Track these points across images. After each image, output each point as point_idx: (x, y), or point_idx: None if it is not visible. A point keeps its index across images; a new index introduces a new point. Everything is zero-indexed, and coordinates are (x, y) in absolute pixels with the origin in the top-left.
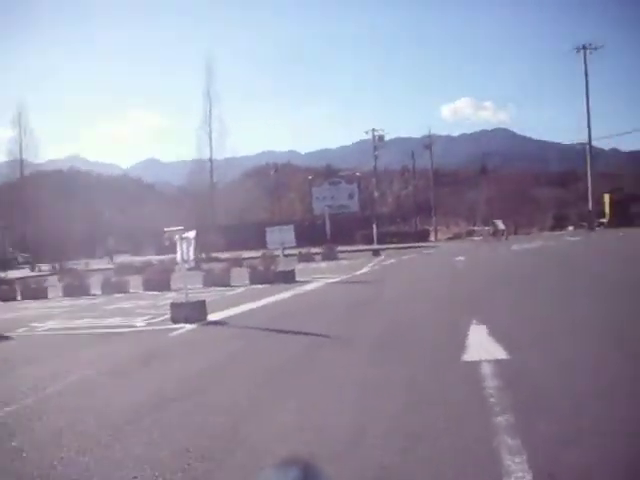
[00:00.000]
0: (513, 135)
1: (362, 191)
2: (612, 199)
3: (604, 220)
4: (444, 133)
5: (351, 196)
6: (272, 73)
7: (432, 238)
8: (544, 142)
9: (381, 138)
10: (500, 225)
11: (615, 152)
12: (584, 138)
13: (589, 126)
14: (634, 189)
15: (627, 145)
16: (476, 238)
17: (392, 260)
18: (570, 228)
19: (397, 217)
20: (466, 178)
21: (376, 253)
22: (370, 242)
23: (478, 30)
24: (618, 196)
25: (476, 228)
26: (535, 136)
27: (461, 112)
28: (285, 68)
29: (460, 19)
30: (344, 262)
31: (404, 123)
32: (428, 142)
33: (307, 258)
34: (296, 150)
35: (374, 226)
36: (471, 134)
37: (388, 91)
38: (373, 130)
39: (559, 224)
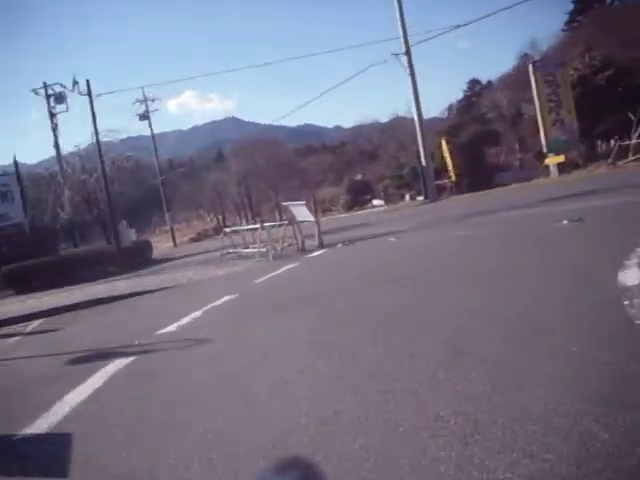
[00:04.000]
0: (242, 122)
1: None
2: (451, 149)
3: (450, 181)
4: (174, 128)
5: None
6: None
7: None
8: (270, 125)
9: None
10: (303, 211)
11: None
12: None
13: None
14: None
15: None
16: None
17: None
18: (405, 200)
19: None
20: (203, 167)
21: None
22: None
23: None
24: (460, 142)
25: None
26: (262, 121)
27: (187, 105)
28: None
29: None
30: None
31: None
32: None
33: None
34: None
35: None
36: (202, 126)
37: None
38: None
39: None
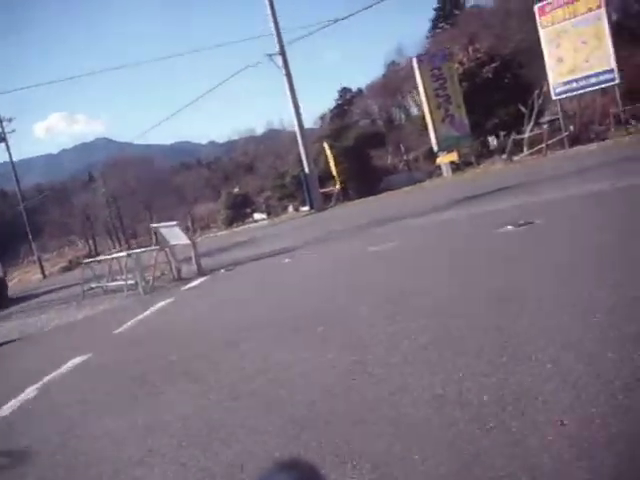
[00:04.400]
0: (114, 142)
1: None
2: (334, 154)
3: (337, 188)
4: (42, 152)
5: None
6: None
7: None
8: (145, 145)
9: None
10: (175, 232)
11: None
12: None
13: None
14: None
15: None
16: None
17: None
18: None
19: None
20: (73, 191)
21: None
22: None
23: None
24: (344, 146)
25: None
26: (136, 141)
27: (55, 128)
28: None
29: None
30: None
31: None
32: None
33: None
34: None
35: None
36: (72, 148)
37: None
38: None
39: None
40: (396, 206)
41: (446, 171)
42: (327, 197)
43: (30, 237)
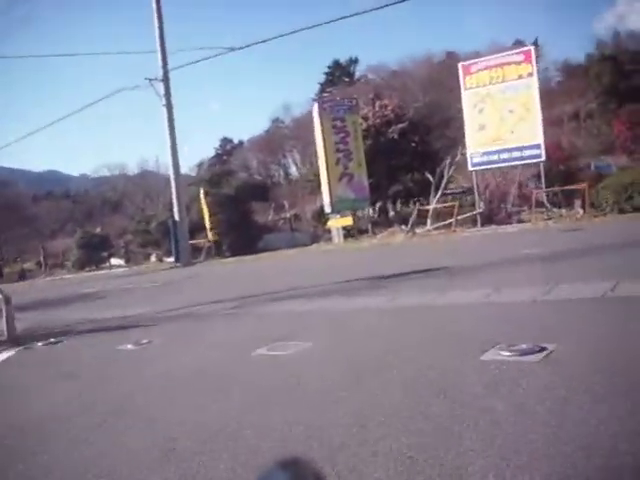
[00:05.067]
0: None
1: None
2: (209, 202)
3: (208, 241)
4: None
5: None
6: None
7: None
8: (8, 168)
9: None
10: None
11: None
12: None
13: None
14: None
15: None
16: None
17: None
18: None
19: None
20: None
21: None
22: None
23: None
24: (224, 194)
25: None
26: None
27: None
28: None
29: None
30: None
31: None
32: None
33: None
34: None
35: None
36: None
37: None
38: None
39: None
40: (280, 273)
41: (337, 236)
42: (196, 250)
43: None
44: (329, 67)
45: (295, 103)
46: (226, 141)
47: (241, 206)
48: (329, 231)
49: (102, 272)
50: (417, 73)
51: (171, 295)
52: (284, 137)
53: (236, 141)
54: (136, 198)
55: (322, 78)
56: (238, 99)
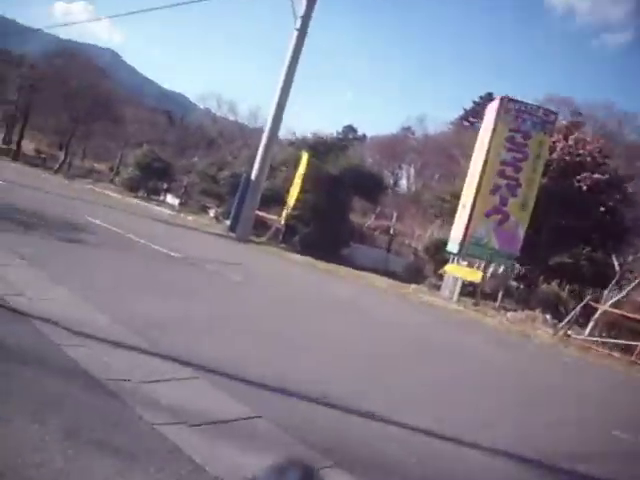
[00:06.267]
0: (121, 61)
1: None
2: (308, 175)
3: (279, 221)
4: None
5: None
6: None
7: None
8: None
9: None
10: None
11: None
12: None
13: None
14: None
15: None
16: None
17: None
18: None
19: None
20: None
21: None
22: None
23: None
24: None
25: None
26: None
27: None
28: None
29: None
30: None
31: None
32: None
33: None
34: None
35: None
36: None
37: None
38: None
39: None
40: (363, 337)
41: (449, 289)
42: (262, 225)
43: None
44: (480, 97)
45: (431, 118)
46: (349, 129)
47: (341, 195)
48: (440, 275)
49: (146, 204)
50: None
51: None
52: (409, 148)
53: (359, 133)
54: (233, 145)
55: (468, 103)
56: (372, 93)
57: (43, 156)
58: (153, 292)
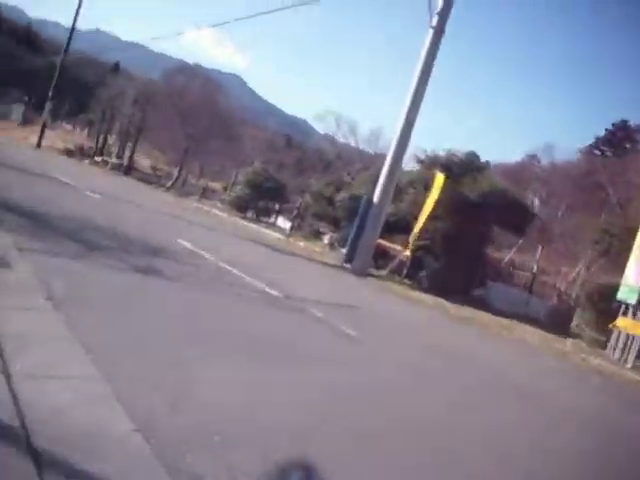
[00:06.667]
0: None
1: None
2: (442, 199)
3: (404, 253)
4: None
5: None
6: None
7: None
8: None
9: None
10: None
11: None
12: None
13: None
14: None
15: None
16: None
17: None
18: None
19: None
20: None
21: None
22: None
23: None
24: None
25: None
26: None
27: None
28: None
29: None
30: None
31: None
32: None
33: None
34: None
35: None
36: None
37: None
38: None
39: (263, 207)
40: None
41: (620, 349)
42: (384, 256)
43: (50, 95)
44: (613, 125)
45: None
46: (472, 155)
47: (480, 224)
48: (607, 330)
49: (253, 226)
50: None
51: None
52: (534, 176)
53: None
54: (352, 167)
55: (600, 132)
56: (497, 119)
57: (159, 173)
58: (221, 364)
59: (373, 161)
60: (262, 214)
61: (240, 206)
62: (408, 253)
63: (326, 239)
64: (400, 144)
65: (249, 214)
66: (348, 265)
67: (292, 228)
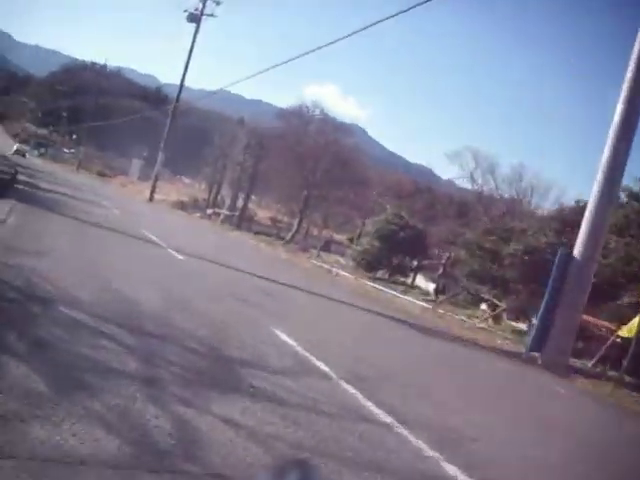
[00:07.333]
0: (368, 137)
1: None
2: None
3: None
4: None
5: None
6: None
7: None
8: (391, 153)
9: None
10: None
11: None
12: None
13: None
14: None
15: None
16: None
17: None
18: None
19: None
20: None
21: None
22: None
23: None
24: None
25: None
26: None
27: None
28: None
29: None
30: None
31: None
32: None
33: None
34: None
35: None
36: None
37: None
38: None
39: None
40: None
41: None
42: (586, 340)
43: (162, 146)
44: None
45: None
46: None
47: None
48: None
49: (386, 291)
50: None
51: None
52: None
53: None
54: (494, 212)
55: None
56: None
57: (280, 225)
58: None
59: (516, 205)
60: (396, 272)
61: (369, 263)
62: (625, 334)
63: (485, 306)
64: (613, 165)
65: (379, 273)
66: (536, 353)
67: (437, 291)
